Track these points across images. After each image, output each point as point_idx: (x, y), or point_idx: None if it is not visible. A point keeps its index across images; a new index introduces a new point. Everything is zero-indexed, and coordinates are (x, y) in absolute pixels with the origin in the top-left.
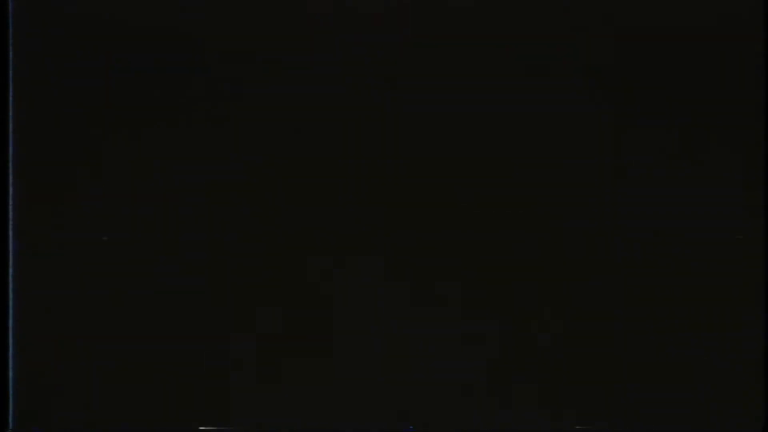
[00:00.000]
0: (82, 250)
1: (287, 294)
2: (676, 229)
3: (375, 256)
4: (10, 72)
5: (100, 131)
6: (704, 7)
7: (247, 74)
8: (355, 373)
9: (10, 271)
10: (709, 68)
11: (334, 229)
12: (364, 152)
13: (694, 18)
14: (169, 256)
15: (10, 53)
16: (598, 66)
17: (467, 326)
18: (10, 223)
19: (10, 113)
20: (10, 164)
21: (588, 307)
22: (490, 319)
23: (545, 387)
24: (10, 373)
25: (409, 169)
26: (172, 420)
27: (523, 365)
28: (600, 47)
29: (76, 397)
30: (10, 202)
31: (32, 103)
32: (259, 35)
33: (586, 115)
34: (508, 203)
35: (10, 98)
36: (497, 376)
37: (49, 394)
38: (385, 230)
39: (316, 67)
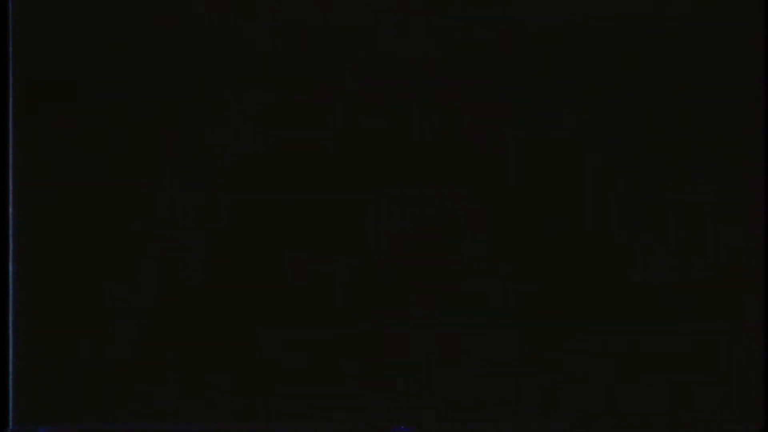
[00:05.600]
0: (82, 249)
1: (288, 294)
2: (677, 229)
3: (377, 257)
4: (10, 72)
5: (100, 131)
6: (704, 7)
7: (247, 75)
8: (355, 372)
9: (10, 271)
10: (709, 68)
11: (338, 232)
12: (374, 165)
13: (694, 18)
14: (169, 255)
15: (10, 53)
16: (597, 64)
17: (466, 326)
18: (10, 223)
19: (10, 113)
20: (10, 164)
21: (587, 307)
22: (490, 320)
23: (545, 387)
24: (10, 373)
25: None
26: (172, 419)
27: (522, 365)
28: (598, 46)
29: (76, 396)
30: (10, 202)
31: (32, 103)
32: (260, 35)
33: (583, 114)
34: (505, 204)
35: (10, 98)
36: (497, 377)
37: (49, 393)
38: (388, 238)
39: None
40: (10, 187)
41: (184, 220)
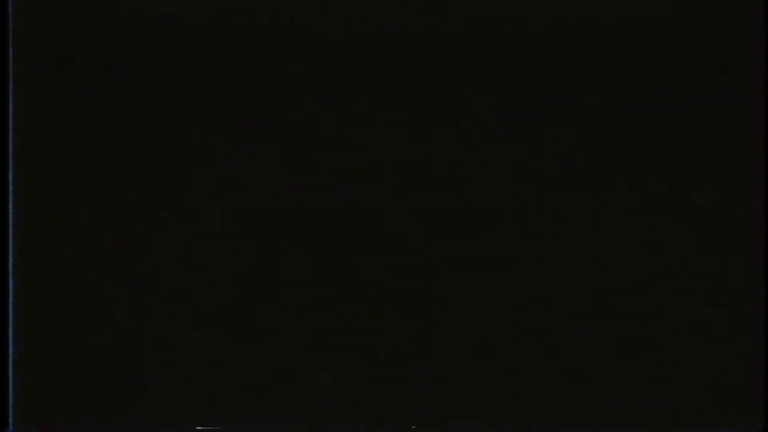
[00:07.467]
0: (82, 249)
1: (290, 294)
2: (677, 228)
3: (383, 259)
4: (10, 72)
5: (101, 130)
6: (704, 7)
7: (247, 72)
8: (359, 373)
9: (10, 271)
10: (709, 68)
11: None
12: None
13: (694, 18)
14: (171, 255)
15: (10, 53)
16: (596, 64)
17: (466, 327)
18: (10, 223)
19: (10, 113)
20: (10, 164)
21: (587, 306)
22: (489, 321)
23: (546, 388)
24: (10, 373)
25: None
26: (173, 419)
27: (522, 366)
28: (596, 44)
29: (76, 397)
30: (10, 202)
31: (32, 103)
32: (268, 33)
33: (581, 114)
34: (505, 203)
35: (10, 98)
36: (495, 377)
37: (49, 394)
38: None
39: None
40: (10, 187)
41: (184, 219)
